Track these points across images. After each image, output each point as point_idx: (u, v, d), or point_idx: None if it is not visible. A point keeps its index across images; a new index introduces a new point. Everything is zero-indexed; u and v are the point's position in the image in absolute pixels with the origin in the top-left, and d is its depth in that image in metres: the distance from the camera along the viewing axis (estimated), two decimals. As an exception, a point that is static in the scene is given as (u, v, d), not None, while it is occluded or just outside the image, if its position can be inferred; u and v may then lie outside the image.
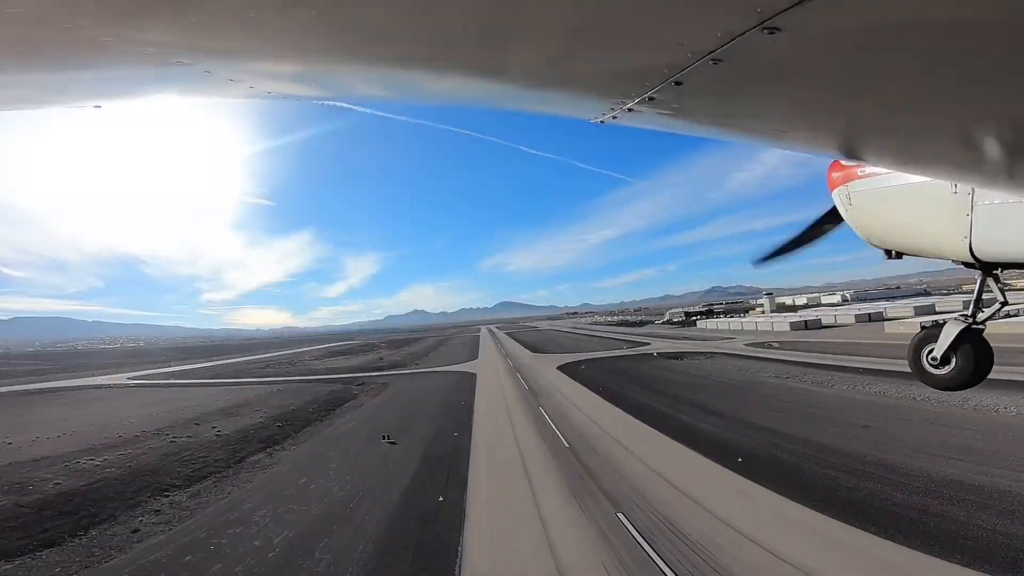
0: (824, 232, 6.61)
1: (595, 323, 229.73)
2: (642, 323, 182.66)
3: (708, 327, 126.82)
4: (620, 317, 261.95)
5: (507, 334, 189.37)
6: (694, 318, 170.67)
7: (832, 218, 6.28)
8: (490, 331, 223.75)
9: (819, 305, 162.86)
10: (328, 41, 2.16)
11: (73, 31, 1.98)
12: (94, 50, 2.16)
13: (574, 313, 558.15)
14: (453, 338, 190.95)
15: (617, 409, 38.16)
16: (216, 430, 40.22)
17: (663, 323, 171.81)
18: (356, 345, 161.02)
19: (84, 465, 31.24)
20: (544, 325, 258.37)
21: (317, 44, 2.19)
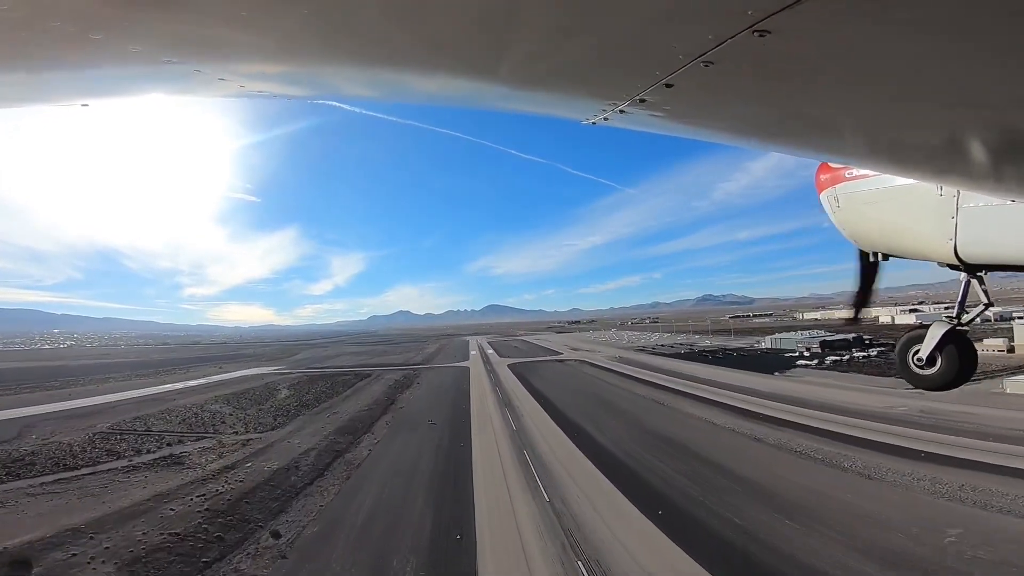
0: (873, 276, 6.34)
1: (637, 347, 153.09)
2: (777, 360, 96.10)
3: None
4: (672, 339, 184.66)
5: (514, 369, 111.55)
6: (856, 355, 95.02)
7: (869, 265, 6.16)
8: (484, 359, 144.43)
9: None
10: (320, 40, 2.14)
11: (62, 29, 1.95)
12: (83, 48, 2.12)
13: (576, 322, 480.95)
14: (423, 374, 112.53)
15: None
16: None
17: (812, 362, 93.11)
18: (204, 407, 77.86)
19: None
20: (560, 347, 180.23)
21: (309, 43, 2.18)
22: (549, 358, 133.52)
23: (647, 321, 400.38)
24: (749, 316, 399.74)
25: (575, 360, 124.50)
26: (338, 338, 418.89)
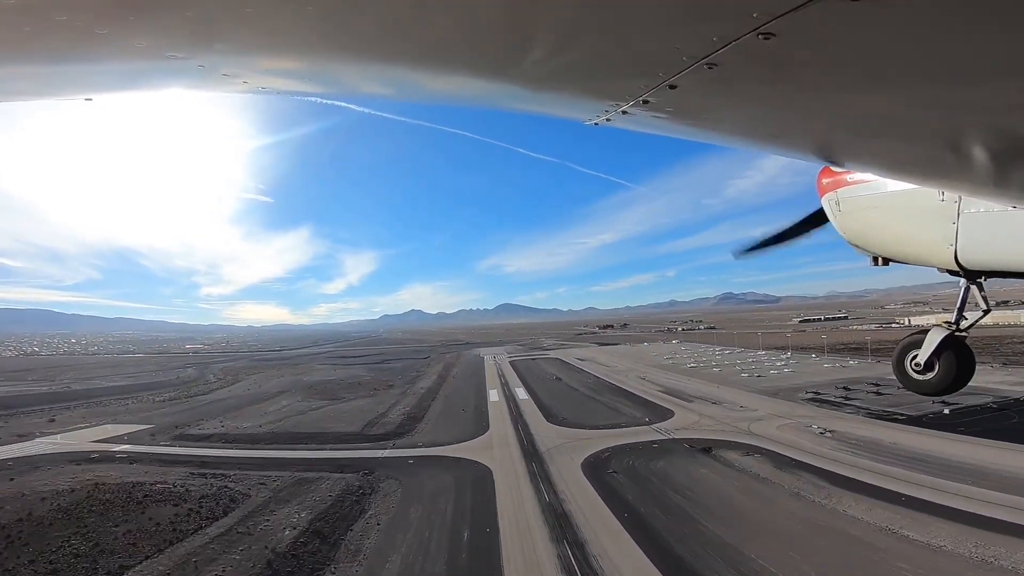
0: (807, 232, 6.68)
1: (801, 391, 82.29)
2: None
3: None
4: (810, 364, 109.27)
5: (629, 522, 42.15)
6: None
7: (817, 219, 6.40)
8: (519, 430, 74.80)
9: None
10: (325, 38, 2.14)
11: (67, 23, 1.97)
12: (87, 42, 2.15)
13: (608, 326, 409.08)
14: (376, 517, 43.30)
15: None
16: None
17: None
18: None
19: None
20: (636, 381, 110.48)
21: (314, 41, 2.18)
22: (660, 433, 63.22)
23: (699, 326, 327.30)
24: (820, 319, 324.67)
25: (739, 448, 54.34)
26: (333, 344, 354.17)
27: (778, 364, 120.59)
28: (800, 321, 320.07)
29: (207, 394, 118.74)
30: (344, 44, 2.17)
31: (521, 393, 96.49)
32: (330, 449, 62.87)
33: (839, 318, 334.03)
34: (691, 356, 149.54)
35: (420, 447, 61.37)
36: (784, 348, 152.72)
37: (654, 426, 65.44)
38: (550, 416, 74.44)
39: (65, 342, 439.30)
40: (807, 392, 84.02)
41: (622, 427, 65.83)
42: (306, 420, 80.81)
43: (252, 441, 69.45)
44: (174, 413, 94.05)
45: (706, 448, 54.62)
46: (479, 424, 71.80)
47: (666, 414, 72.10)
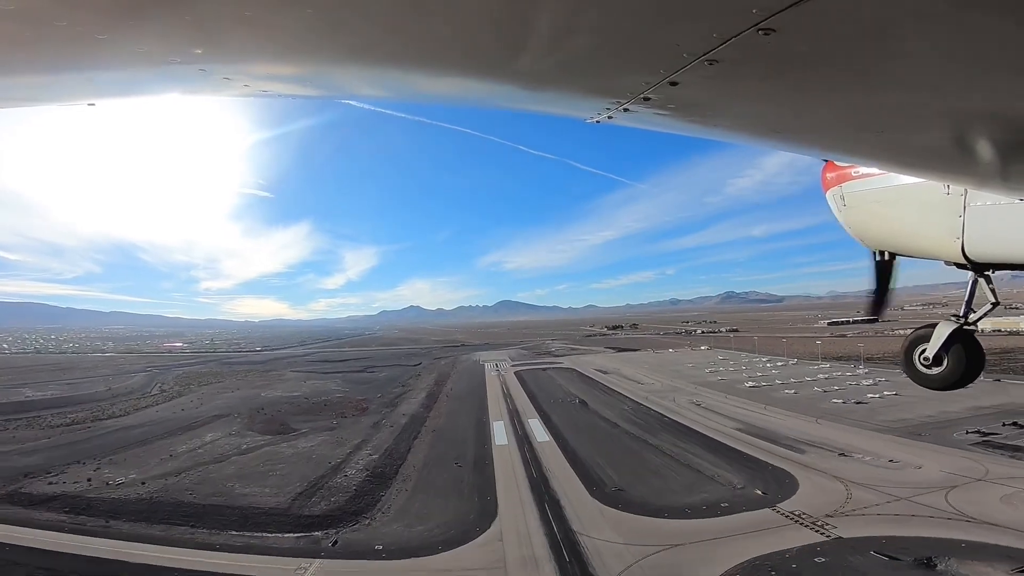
0: (891, 270, 6.17)
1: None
2: None
3: None
4: None
5: None
6: None
7: (882, 259, 6.11)
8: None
9: None
10: (324, 42, 2.16)
11: (68, 28, 1.97)
12: (88, 48, 2.15)
13: (617, 328, 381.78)
14: None
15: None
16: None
17: None
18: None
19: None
20: (726, 429, 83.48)
21: (313, 45, 2.20)
22: (804, 524, 35.22)
23: (719, 328, 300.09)
24: (849, 321, 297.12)
25: (984, 555, 26.83)
26: (320, 343, 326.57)
27: (864, 383, 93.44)
28: (829, 323, 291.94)
29: (124, 416, 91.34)
30: (344, 46, 2.14)
31: (538, 430, 68.83)
32: (220, 548, 35.59)
33: (871, 319, 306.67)
34: (739, 369, 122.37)
35: (376, 555, 34.05)
36: (848, 358, 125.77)
37: (781, 508, 38.18)
38: (593, 481, 47.03)
39: (43, 338, 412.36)
40: (966, 431, 56.97)
41: (725, 511, 38.51)
42: (217, 476, 53.39)
43: (109, 514, 42.31)
44: (48, 449, 67.03)
45: (924, 560, 27.47)
46: (481, 498, 44.32)
47: (783, 479, 44.82)
